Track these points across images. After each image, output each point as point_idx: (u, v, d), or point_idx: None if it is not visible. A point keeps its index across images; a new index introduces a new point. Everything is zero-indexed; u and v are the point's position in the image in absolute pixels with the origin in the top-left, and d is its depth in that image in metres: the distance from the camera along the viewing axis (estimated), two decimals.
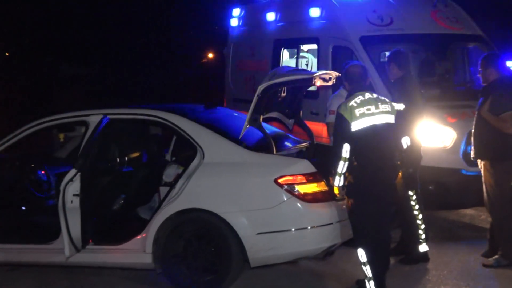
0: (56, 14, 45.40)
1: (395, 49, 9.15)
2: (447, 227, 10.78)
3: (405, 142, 8.23)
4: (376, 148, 7.51)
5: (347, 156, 7.42)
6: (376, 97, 7.65)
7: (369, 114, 7.44)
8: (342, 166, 7.45)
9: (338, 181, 7.53)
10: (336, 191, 7.68)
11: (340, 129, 7.51)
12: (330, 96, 9.89)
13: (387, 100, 7.73)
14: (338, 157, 7.44)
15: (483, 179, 8.70)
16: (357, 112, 7.40)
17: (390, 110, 7.62)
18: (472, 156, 8.81)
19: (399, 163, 7.97)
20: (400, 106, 8.11)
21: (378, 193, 7.57)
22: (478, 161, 8.73)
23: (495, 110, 8.37)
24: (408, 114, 8.25)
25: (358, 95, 7.57)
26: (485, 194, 8.73)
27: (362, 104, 7.46)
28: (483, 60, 8.72)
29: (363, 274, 7.68)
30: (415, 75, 10.91)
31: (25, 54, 43.95)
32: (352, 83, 7.79)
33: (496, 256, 8.68)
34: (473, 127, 8.73)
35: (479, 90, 8.82)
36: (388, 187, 7.68)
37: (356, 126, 7.40)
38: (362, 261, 7.63)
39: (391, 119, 7.62)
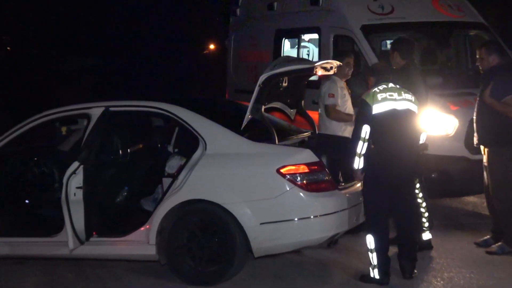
0: (59, 6, 45.39)
1: (398, 37, 9.19)
2: (450, 214, 10.80)
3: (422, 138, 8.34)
4: (395, 133, 7.69)
5: (367, 137, 7.60)
6: (400, 87, 7.85)
7: (391, 99, 7.67)
8: (361, 147, 7.63)
9: (358, 163, 7.67)
10: (355, 174, 7.80)
11: (361, 112, 7.75)
12: (325, 83, 9.89)
13: (410, 92, 7.89)
14: (357, 137, 7.65)
15: (486, 165, 8.71)
16: (379, 96, 7.64)
17: (412, 100, 7.81)
18: (475, 143, 8.83)
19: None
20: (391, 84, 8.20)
21: (391, 179, 7.65)
22: (482, 147, 8.74)
23: (498, 95, 8.40)
24: None
25: (382, 84, 7.79)
26: (487, 181, 8.74)
27: (385, 90, 7.72)
28: (485, 46, 8.76)
29: (368, 262, 7.75)
30: (417, 63, 10.93)
31: (29, 47, 43.95)
32: (378, 76, 7.97)
33: (500, 243, 8.69)
34: (475, 114, 8.74)
35: (480, 77, 8.84)
36: (404, 174, 7.73)
37: (377, 109, 7.61)
38: (369, 247, 7.72)
39: (413, 107, 7.77)
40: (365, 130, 7.60)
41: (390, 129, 7.67)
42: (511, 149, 8.56)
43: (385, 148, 7.68)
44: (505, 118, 8.44)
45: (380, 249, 7.72)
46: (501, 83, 8.44)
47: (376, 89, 7.73)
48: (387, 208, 7.85)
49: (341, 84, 9.63)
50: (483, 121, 8.61)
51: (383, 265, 7.73)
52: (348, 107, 9.67)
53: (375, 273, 7.74)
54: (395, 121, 7.68)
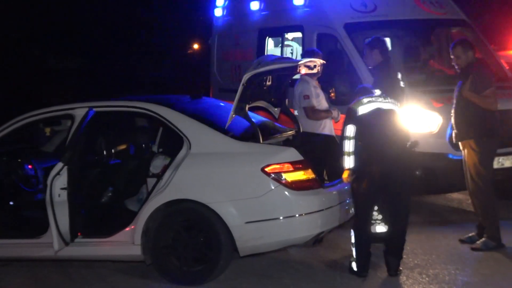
0: (43, 6, 45.11)
1: (375, 36, 9.52)
2: (435, 211, 10.84)
3: None
4: (381, 129, 7.83)
5: (352, 135, 7.75)
6: (385, 95, 8.08)
7: (376, 101, 7.87)
8: (348, 145, 7.76)
9: (348, 162, 7.79)
10: (345, 174, 7.87)
11: (347, 116, 7.93)
12: (296, 83, 9.96)
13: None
14: (343, 137, 7.80)
15: (466, 161, 8.78)
16: (365, 100, 7.87)
17: (397, 105, 8.06)
18: (454, 140, 8.90)
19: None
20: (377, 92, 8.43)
21: (379, 174, 7.72)
22: (460, 144, 8.81)
23: (477, 89, 8.56)
24: None
25: (369, 95, 8.06)
26: (468, 177, 8.81)
27: (370, 97, 7.94)
28: (461, 45, 8.89)
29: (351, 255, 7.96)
30: (400, 60, 11.01)
31: (12, 48, 43.63)
32: (364, 93, 8.16)
33: (484, 239, 8.74)
34: (453, 110, 8.83)
35: (458, 74, 8.95)
36: (392, 170, 7.80)
37: (362, 110, 7.80)
38: (352, 241, 7.88)
39: (397, 110, 7.99)
40: (350, 129, 7.75)
41: (376, 125, 7.80)
42: (492, 141, 8.72)
43: (372, 143, 7.78)
44: (485, 111, 8.59)
45: (360, 243, 7.87)
46: (480, 77, 8.62)
47: (362, 97, 7.93)
48: (372, 204, 8.01)
49: (313, 83, 9.78)
50: (464, 115, 8.71)
51: (361, 259, 7.89)
52: (323, 104, 9.80)
53: (353, 266, 7.95)
54: (381, 118, 7.82)
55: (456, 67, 8.93)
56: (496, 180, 9.89)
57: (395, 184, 7.86)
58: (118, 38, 47.24)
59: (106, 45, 45.87)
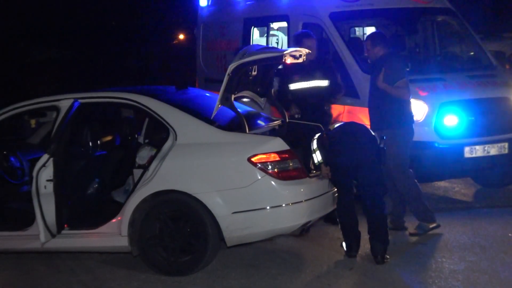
0: None
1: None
2: None
3: None
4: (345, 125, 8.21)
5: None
6: None
7: None
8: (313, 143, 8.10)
9: (316, 157, 8.01)
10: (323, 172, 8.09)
11: None
12: None
13: None
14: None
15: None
16: None
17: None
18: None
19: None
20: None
21: (348, 151, 8.02)
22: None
23: (390, 80, 8.82)
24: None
25: None
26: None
27: None
28: (370, 40, 9.21)
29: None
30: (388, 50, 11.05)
31: None
32: None
33: (418, 223, 8.98)
34: (368, 101, 9.17)
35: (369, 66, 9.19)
36: (359, 152, 8.02)
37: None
38: (338, 220, 8.18)
39: None
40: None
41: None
42: (406, 130, 8.97)
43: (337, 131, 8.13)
44: (398, 101, 8.85)
45: (345, 223, 8.10)
46: (392, 69, 8.86)
47: None
48: (349, 184, 8.19)
49: None
50: (378, 106, 9.00)
51: (347, 238, 8.11)
52: None
53: (344, 246, 8.17)
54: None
55: (368, 59, 9.21)
56: (482, 168, 9.97)
57: (366, 168, 8.02)
58: (102, 28, 47.09)
59: (90, 36, 45.70)
